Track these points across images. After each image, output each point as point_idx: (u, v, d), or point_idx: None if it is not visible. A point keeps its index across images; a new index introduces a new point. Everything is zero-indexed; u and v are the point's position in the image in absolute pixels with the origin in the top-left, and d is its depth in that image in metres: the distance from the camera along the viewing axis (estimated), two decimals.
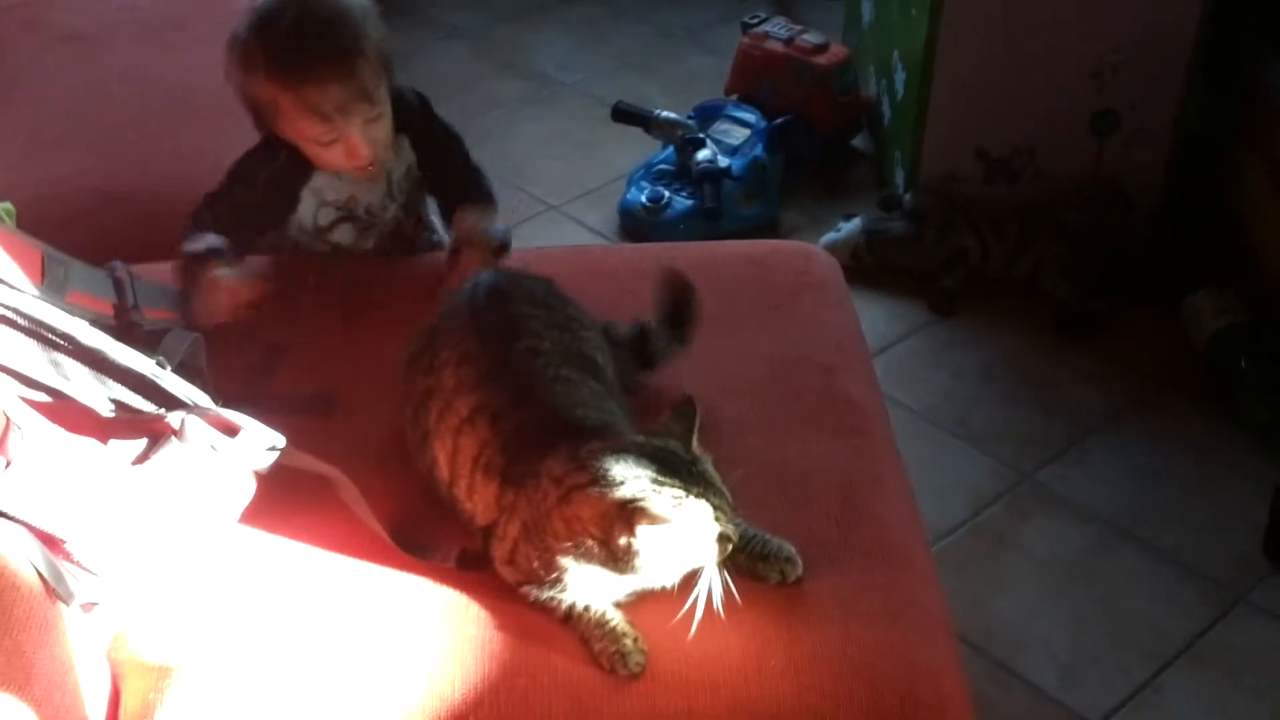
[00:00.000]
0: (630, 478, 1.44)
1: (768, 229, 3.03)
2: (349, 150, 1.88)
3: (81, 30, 2.65)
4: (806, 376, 1.88)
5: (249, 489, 1.59)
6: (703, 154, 2.99)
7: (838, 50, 3.17)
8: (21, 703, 1.29)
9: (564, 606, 1.52)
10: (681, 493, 1.45)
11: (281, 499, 1.62)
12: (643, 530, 1.43)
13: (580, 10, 3.87)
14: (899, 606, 1.58)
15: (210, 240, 1.87)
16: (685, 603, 1.47)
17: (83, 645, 1.46)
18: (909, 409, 2.59)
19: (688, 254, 2.13)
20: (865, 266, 2.87)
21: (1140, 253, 2.85)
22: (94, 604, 1.51)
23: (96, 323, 1.63)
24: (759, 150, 3.04)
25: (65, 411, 1.51)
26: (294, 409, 1.74)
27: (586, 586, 1.50)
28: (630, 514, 1.42)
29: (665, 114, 3.09)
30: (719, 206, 2.95)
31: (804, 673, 1.50)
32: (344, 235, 2.03)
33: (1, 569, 1.34)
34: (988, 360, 2.73)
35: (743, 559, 1.55)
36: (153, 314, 1.77)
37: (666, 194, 2.98)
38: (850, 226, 2.92)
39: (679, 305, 1.87)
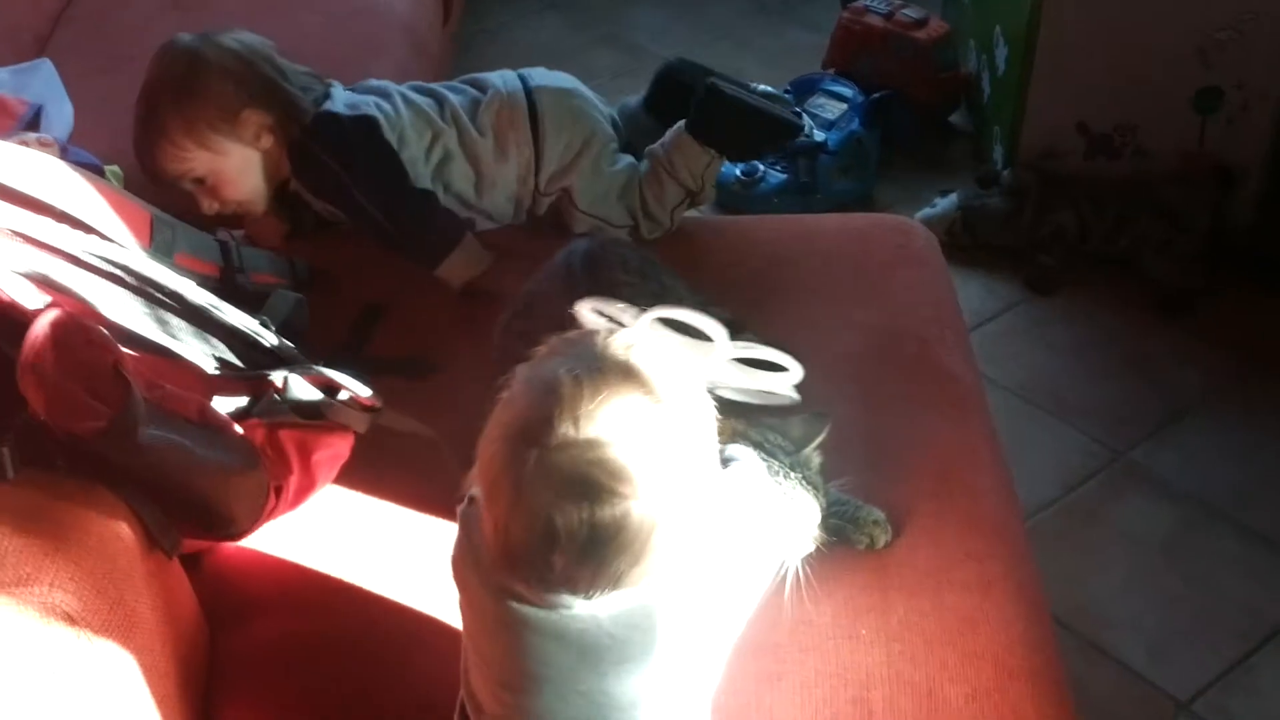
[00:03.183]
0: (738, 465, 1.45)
1: (863, 204, 3.02)
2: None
3: None
4: (903, 349, 1.88)
5: (346, 449, 1.62)
6: None
7: (938, 25, 3.14)
8: (125, 651, 1.32)
9: None
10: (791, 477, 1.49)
11: (379, 460, 1.65)
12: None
13: None
14: (992, 578, 1.58)
15: None
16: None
17: (183, 596, 1.50)
18: (1003, 386, 2.58)
19: (787, 226, 2.14)
20: (961, 243, 2.85)
21: (1242, 232, 2.80)
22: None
23: (203, 285, 1.67)
24: (855, 125, 3.02)
25: (171, 369, 1.55)
26: (391, 371, 1.77)
27: None
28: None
29: (761, 88, 3.07)
30: (813, 181, 2.94)
31: (895, 640, 1.51)
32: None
33: (105, 522, 1.36)
34: (1083, 338, 2.70)
35: (832, 523, 1.56)
36: (258, 278, 1.81)
37: (761, 168, 2.97)
38: (946, 203, 2.90)
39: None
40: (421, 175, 2.01)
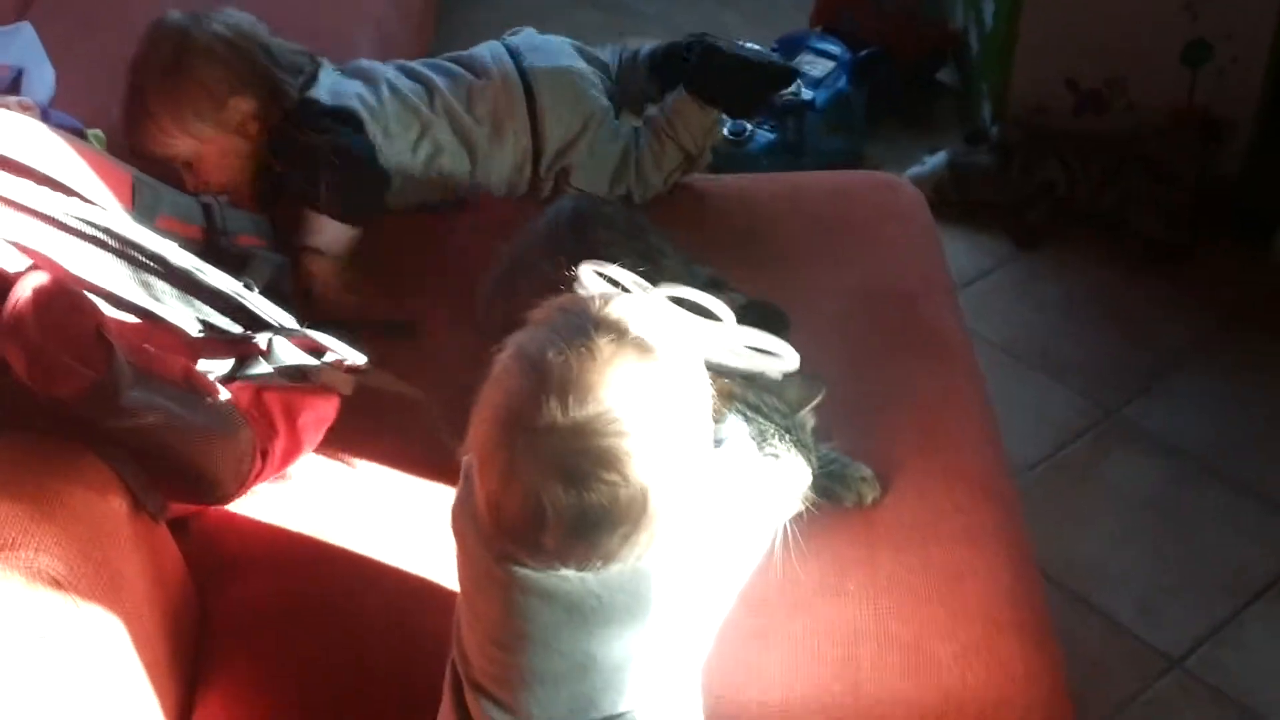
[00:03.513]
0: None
1: (851, 162, 2.99)
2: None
3: None
4: (889, 306, 1.88)
5: (332, 411, 1.62)
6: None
7: None
8: (113, 614, 1.32)
9: None
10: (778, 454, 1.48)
11: (365, 422, 1.65)
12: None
13: None
14: (980, 531, 1.59)
15: None
16: None
17: (170, 560, 1.49)
18: (991, 342, 2.57)
19: (772, 185, 2.13)
20: (950, 201, 2.83)
21: (1231, 186, 2.79)
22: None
23: (186, 247, 1.66)
24: (843, 83, 3.00)
25: (154, 332, 1.55)
26: (375, 332, 1.76)
27: None
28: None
29: (748, 46, 3.05)
30: (802, 140, 2.92)
31: (884, 595, 1.51)
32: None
33: (90, 486, 1.36)
34: (1071, 294, 2.69)
35: (822, 482, 1.56)
36: (242, 240, 1.79)
37: (749, 127, 2.95)
38: (935, 160, 2.88)
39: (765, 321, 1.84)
40: (407, 166, 1.99)
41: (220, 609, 1.54)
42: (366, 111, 1.96)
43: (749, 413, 1.49)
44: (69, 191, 1.58)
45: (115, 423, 1.39)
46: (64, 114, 2.06)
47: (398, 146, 1.97)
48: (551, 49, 2.14)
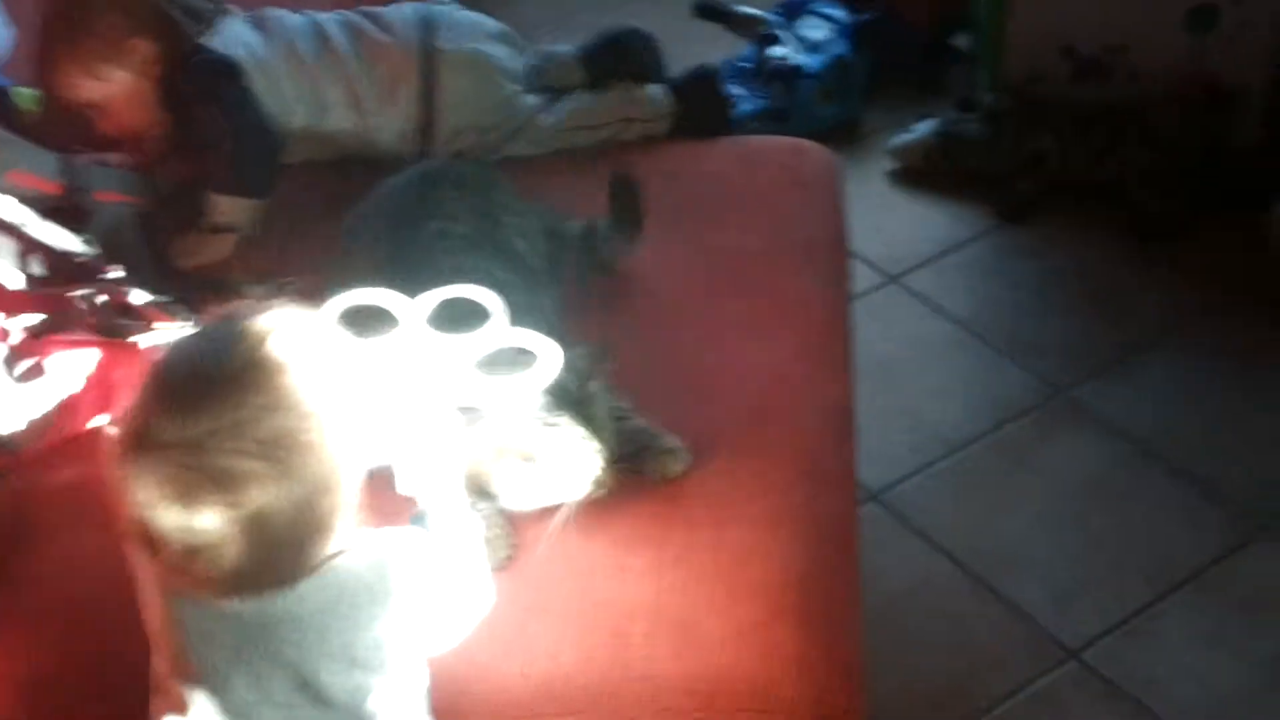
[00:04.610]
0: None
1: (847, 130, 2.92)
2: None
3: None
4: (760, 274, 1.83)
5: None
6: (776, 51, 2.90)
7: None
8: None
9: None
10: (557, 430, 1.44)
11: None
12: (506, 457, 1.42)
13: None
14: (786, 512, 1.53)
15: None
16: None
17: None
18: (955, 318, 2.49)
19: (677, 149, 2.06)
20: (939, 169, 2.75)
21: (1236, 157, 2.65)
22: None
23: (38, 201, 1.69)
24: (842, 48, 2.92)
25: None
26: (212, 289, 1.77)
27: None
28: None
29: (746, 9, 3.00)
30: (787, 107, 2.85)
31: (667, 572, 1.47)
32: None
33: None
34: (1051, 270, 2.59)
35: (626, 453, 1.52)
36: (104, 197, 1.81)
37: (741, 93, 2.89)
38: (924, 127, 2.79)
39: (626, 205, 1.82)
40: (293, 121, 1.99)
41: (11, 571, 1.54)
42: (254, 63, 1.97)
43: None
44: None
45: None
46: None
47: (283, 97, 1.97)
48: (468, 27, 2.12)
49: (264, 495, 1.08)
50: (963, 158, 2.76)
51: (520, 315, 1.58)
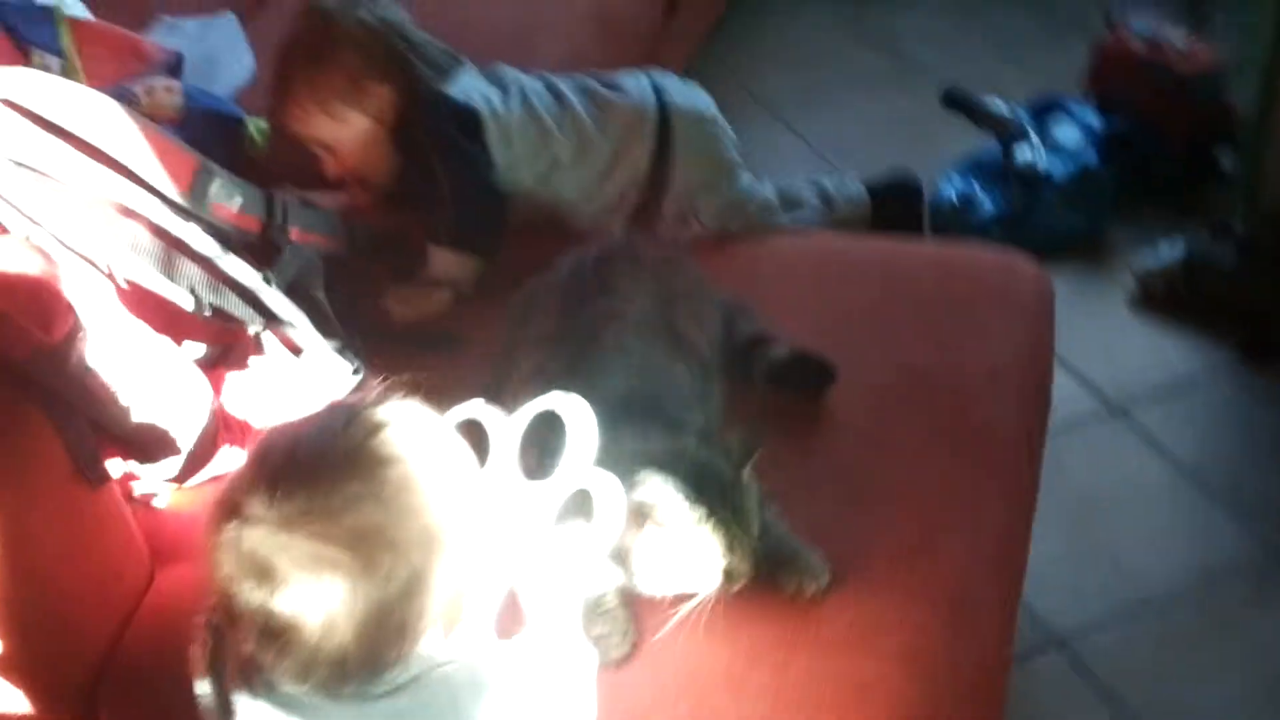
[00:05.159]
0: (654, 483, 1.38)
1: (1089, 243, 2.78)
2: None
3: None
4: (943, 392, 1.73)
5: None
6: (1022, 153, 2.78)
7: (1204, 53, 2.84)
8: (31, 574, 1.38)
9: None
10: (702, 516, 1.38)
11: None
12: (646, 536, 1.37)
13: None
14: (928, 653, 1.43)
15: None
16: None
17: (110, 528, 1.54)
18: (1177, 460, 2.31)
19: (877, 248, 2.00)
20: (1184, 296, 2.59)
21: None
22: (151, 494, 1.61)
23: (241, 237, 1.72)
24: (1091, 157, 2.78)
25: (157, 306, 1.61)
26: (418, 343, 1.79)
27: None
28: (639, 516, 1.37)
29: (997, 104, 2.88)
30: (1025, 213, 2.73)
31: (786, 695, 1.39)
32: None
33: (29, 445, 1.43)
34: None
35: (768, 559, 1.44)
36: (302, 237, 1.83)
37: (979, 192, 2.79)
38: (1172, 249, 2.63)
39: (805, 373, 1.72)
40: (521, 179, 1.99)
41: (159, 586, 1.57)
42: (490, 115, 1.98)
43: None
44: (120, 169, 1.66)
45: (63, 386, 1.46)
46: (225, 101, 2.19)
47: (515, 153, 1.98)
48: (695, 95, 2.12)
49: (345, 585, 1.06)
50: (1210, 287, 2.58)
51: (685, 403, 1.56)
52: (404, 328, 1.86)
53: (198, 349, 1.61)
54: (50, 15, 1.88)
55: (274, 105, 2.05)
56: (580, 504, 1.27)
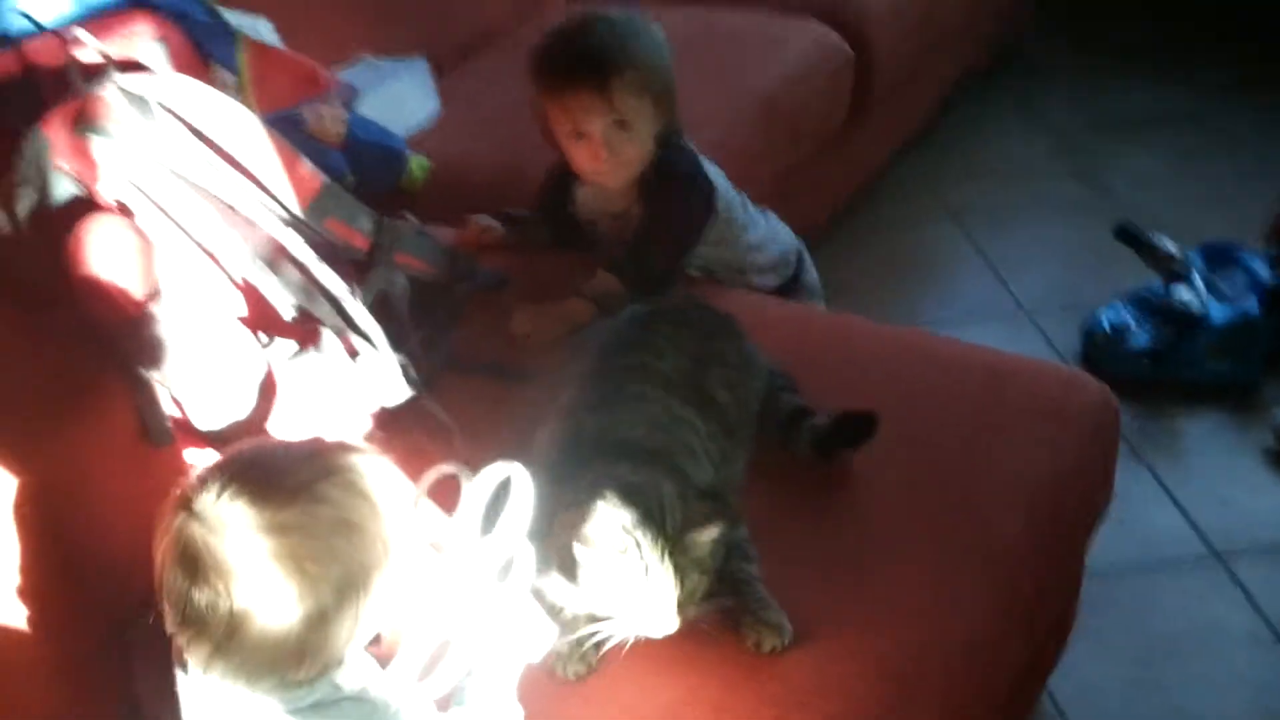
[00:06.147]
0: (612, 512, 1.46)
1: (1238, 390, 2.73)
2: (591, 150, 2.02)
3: None
4: (952, 491, 1.74)
5: (364, 418, 1.78)
6: (1181, 293, 2.75)
7: None
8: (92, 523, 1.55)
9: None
10: (651, 553, 1.45)
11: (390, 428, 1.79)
12: (582, 548, 1.45)
13: (1173, 133, 3.64)
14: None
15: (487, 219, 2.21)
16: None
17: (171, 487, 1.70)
18: (1268, 618, 2.25)
19: (939, 347, 2.02)
20: None
21: None
22: None
23: (346, 254, 1.89)
24: (1252, 305, 2.74)
25: (256, 303, 1.79)
26: (472, 370, 1.93)
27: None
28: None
29: (1165, 243, 2.86)
30: (1174, 351, 2.71)
31: None
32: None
33: (104, 403, 1.61)
34: None
35: (733, 614, 1.52)
36: (405, 259, 1.99)
37: (1132, 324, 2.77)
38: None
39: (848, 431, 1.77)
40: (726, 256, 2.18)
41: None
42: (720, 189, 2.14)
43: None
44: (249, 176, 1.86)
45: (143, 353, 1.65)
46: (393, 135, 2.40)
47: (719, 233, 2.14)
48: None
49: (252, 600, 1.16)
50: None
51: (694, 458, 1.63)
52: (488, 356, 1.99)
53: (289, 346, 1.77)
54: (232, 35, 2.10)
55: (593, 65, 2.00)
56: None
